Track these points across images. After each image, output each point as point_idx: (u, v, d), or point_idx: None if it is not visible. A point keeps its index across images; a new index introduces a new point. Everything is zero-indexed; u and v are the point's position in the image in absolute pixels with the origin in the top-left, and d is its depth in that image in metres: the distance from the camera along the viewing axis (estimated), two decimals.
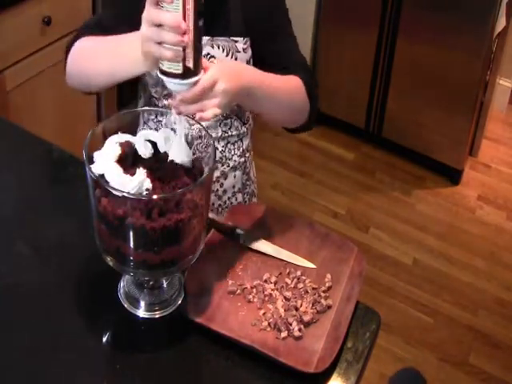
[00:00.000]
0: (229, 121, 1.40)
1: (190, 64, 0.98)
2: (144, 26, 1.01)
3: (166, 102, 1.31)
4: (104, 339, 1.07)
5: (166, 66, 1.00)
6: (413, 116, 2.93)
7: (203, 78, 1.02)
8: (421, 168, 3.03)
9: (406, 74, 2.87)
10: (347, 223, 2.75)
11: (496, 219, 2.84)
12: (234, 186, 1.48)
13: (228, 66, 1.18)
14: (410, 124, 2.96)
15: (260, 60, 1.34)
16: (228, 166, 1.44)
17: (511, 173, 3.09)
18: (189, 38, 0.96)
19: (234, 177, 1.46)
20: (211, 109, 1.04)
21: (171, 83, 1.01)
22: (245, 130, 1.44)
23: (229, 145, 1.42)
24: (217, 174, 1.42)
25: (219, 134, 1.39)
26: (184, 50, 0.97)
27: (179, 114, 1.04)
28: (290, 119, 1.36)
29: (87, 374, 1.03)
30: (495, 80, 2.95)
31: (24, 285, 1.13)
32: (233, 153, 1.44)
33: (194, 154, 1.06)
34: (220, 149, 1.41)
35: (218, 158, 1.40)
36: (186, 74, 0.99)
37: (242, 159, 1.47)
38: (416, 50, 2.78)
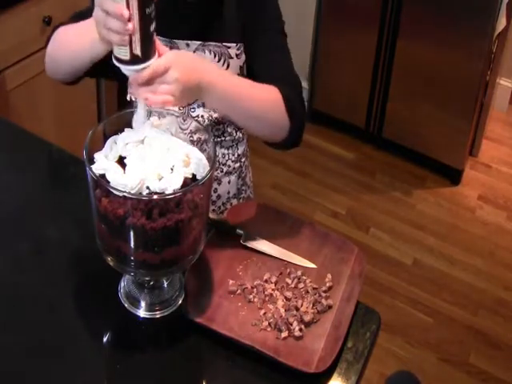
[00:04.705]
0: (221, 126, 1.37)
1: (138, 51, 0.98)
2: (96, 9, 1.01)
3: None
4: (104, 339, 1.07)
5: (116, 51, 1.00)
6: (413, 116, 2.93)
7: (154, 63, 1.01)
8: (421, 168, 3.02)
9: (407, 74, 2.86)
10: (347, 223, 2.75)
11: (496, 219, 2.83)
12: (228, 192, 1.45)
13: (185, 57, 1.11)
14: (410, 124, 2.96)
15: (250, 72, 1.32)
16: (222, 171, 1.41)
17: (511, 173, 3.09)
18: (133, 26, 0.96)
19: (229, 182, 1.44)
20: (163, 94, 1.02)
21: (121, 68, 1.01)
22: (240, 135, 1.42)
23: (223, 149, 1.40)
24: None
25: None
26: (130, 36, 0.97)
27: (132, 95, 1.03)
28: (265, 132, 1.26)
29: (87, 374, 1.03)
30: (495, 80, 2.95)
31: (24, 285, 1.13)
32: (227, 158, 1.41)
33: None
34: None
35: None
36: (134, 60, 0.99)
37: (238, 164, 1.44)
38: (416, 50, 2.77)
